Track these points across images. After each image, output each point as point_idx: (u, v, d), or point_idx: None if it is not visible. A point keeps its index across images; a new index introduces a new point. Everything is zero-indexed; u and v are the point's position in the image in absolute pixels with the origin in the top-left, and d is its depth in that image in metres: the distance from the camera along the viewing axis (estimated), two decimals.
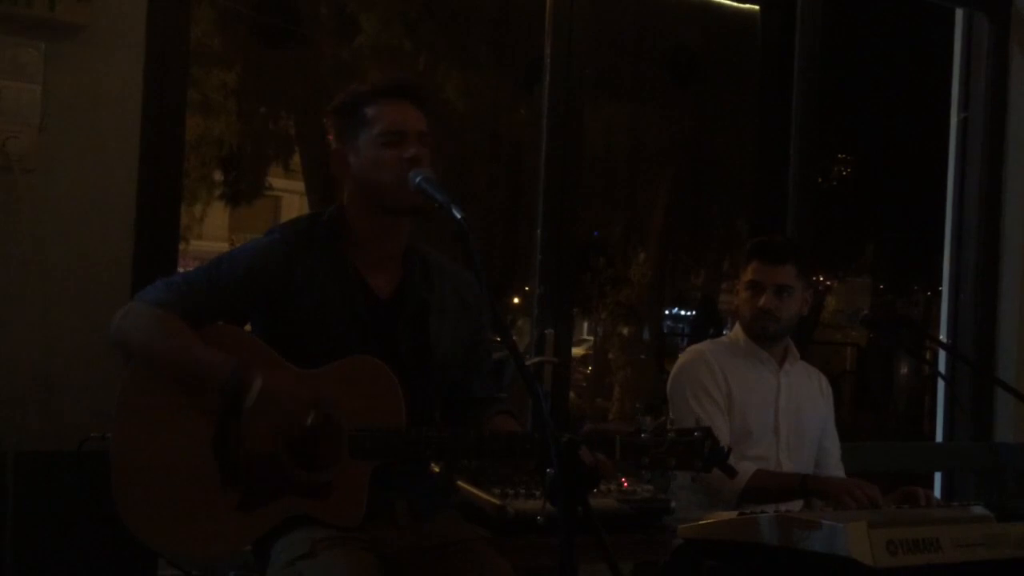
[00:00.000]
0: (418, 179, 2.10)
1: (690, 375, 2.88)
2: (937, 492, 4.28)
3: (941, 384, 4.43)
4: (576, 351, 7.18)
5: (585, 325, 9.01)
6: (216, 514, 2.06)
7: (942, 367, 4.34)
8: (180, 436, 2.08)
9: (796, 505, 2.75)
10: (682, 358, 2.97)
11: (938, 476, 4.35)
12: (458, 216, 1.95)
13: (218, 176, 7.80)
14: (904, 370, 10.12)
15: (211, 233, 8.82)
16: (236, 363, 2.04)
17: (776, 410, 2.91)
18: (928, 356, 4.65)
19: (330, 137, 2.28)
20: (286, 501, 2.08)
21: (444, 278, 2.31)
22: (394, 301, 2.24)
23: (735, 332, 2.98)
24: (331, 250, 2.21)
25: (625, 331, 8.91)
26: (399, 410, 2.11)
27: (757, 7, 4.15)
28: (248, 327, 2.25)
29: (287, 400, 2.03)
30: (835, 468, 3.01)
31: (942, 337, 4.31)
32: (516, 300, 7.41)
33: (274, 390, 2.03)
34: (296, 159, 8.08)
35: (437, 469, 2.41)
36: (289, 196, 9.82)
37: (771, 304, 2.86)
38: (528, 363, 3.32)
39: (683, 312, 9.65)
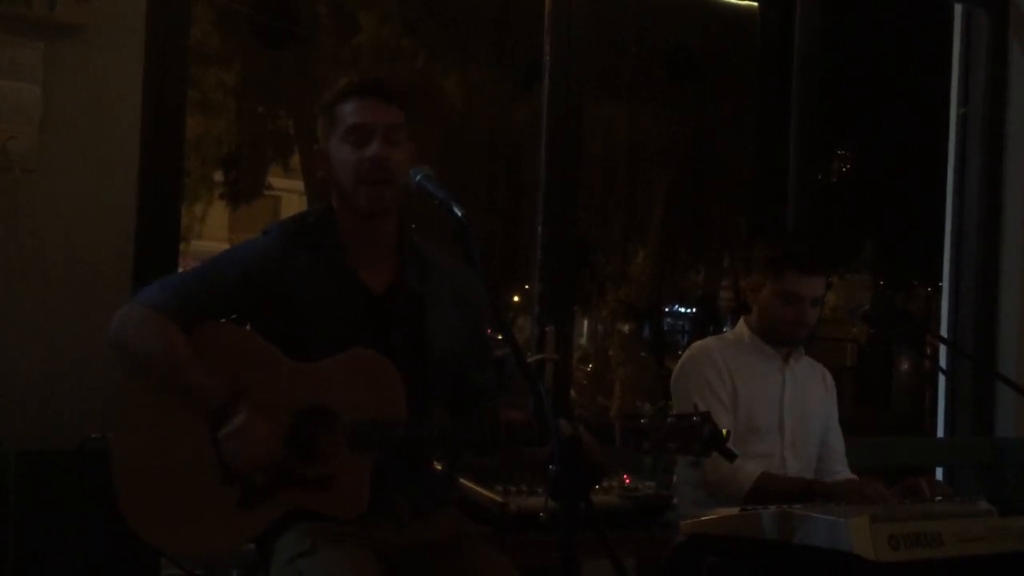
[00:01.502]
0: (418, 177, 2.09)
1: (694, 371, 2.87)
2: None
3: (942, 379, 4.43)
4: None
5: (585, 323, 9.01)
6: (217, 511, 2.07)
7: (943, 362, 4.35)
8: (180, 434, 2.08)
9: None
10: (686, 354, 2.95)
11: (939, 471, 4.35)
12: (458, 214, 1.94)
13: (218, 176, 7.81)
14: (905, 365, 10.14)
15: (211, 233, 8.83)
16: (224, 394, 2.05)
17: (781, 406, 2.90)
18: (928, 351, 4.66)
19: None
20: (286, 495, 2.08)
21: (441, 273, 2.31)
22: (388, 295, 2.24)
23: (740, 328, 2.97)
24: (324, 247, 2.22)
25: (625, 329, 8.92)
26: (400, 403, 2.11)
27: (756, 4, 4.15)
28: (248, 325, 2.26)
29: (250, 454, 2.04)
30: (839, 464, 3.01)
31: (943, 332, 4.31)
32: (516, 298, 7.42)
33: (243, 440, 2.03)
34: (295, 159, 8.09)
35: (439, 466, 2.41)
36: (288, 196, 9.83)
37: (812, 317, 2.84)
38: (529, 361, 3.32)
39: (683, 309, 9.66)
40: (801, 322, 2.84)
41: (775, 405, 2.89)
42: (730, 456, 2.17)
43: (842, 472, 3.00)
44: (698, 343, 2.98)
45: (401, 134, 2.20)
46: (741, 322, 2.98)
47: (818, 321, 2.95)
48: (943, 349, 4.32)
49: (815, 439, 2.97)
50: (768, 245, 2.97)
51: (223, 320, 2.19)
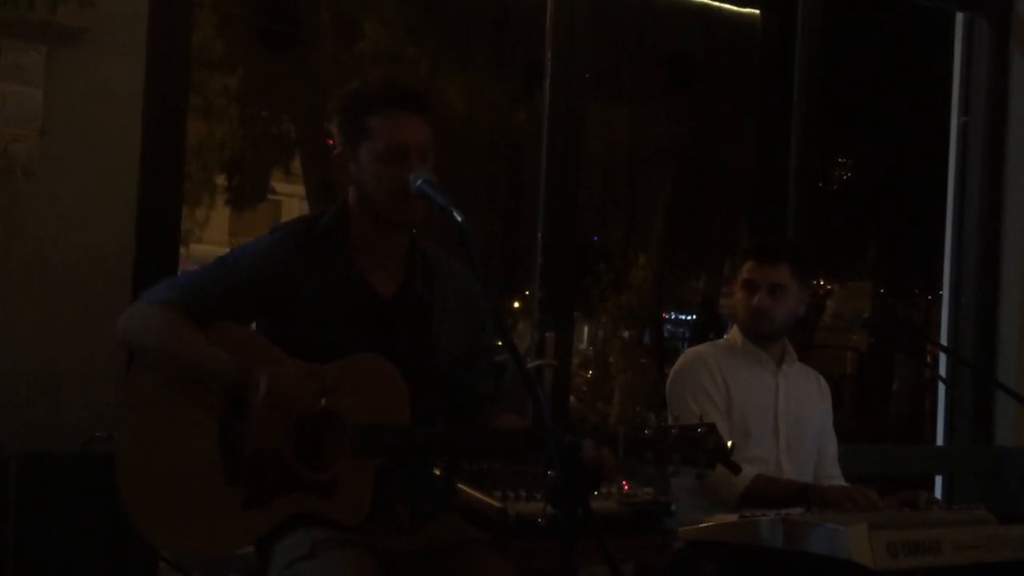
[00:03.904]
0: (419, 182, 2.10)
1: (689, 377, 2.90)
2: (938, 495, 4.28)
3: (942, 387, 4.44)
4: None
5: (585, 329, 9.00)
6: (221, 512, 2.07)
7: (943, 370, 4.35)
8: (185, 434, 2.09)
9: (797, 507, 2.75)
10: (680, 361, 2.99)
11: (939, 479, 4.35)
12: (459, 219, 1.95)
13: (221, 180, 7.81)
14: (904, 373, 10.11)
15: (211, 237, 8.82)
16: (240, 362, 2.05)
17: (775, 411, 2.92)
18: (929, 359, 4.66)
19: (330, 141, 2.27)
20: (290, 498, 2.08)
21: (448, 277, 2.32)
22: (395, 301, 2.24)
23: (733, 334, 3.00)
24: (333, 250, 2.22)
25: (626, 335, 8.90)
26: (403, 408, 2.11)
27: (758, 11, 4.16)
28: (253, 326, 2.26)
29: (297, 389, 2.05)
30: (832, 468, 3.03)
31: (943, 340, 4.31)
32: (516, 304, 7.41)
33: (282, 382, 2.04)
34: (296, 163, 8.09)
35: (438, 472, 2.41)
36: (289, 200, 9.83)
37: (765, 303, 2.88)
38: (528, 366, 3.32)
39: (683, 316, 9.65)
40: (758, 309, 2.88)
41: (769, 410, 2.91)
42: (734, 468, 2.17)
43: (835, 477, 3.01)
44: (692, 349, 3.03)
45: (431, 150, 2.19)
46: (735, 329, 3.01)
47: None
48: (943, 357, 4.33)
49: (811, 443, 2.99)
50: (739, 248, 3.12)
51: (229, 321, 2.20)
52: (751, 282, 2.91)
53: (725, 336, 3.08)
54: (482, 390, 2.36)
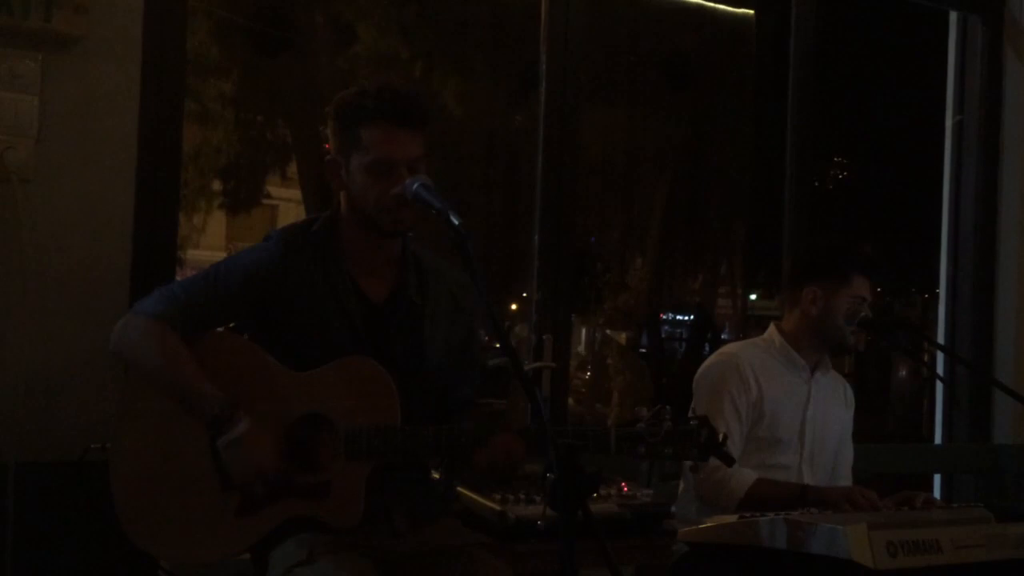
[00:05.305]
0: (415, 186, 2.10)
1: (718, 379, 2.83)
2: (936, 494, 4.29)
3: (939, 386, 4.44)
4: None
5: (583, 331, 9.00)
6: (217, 518, 2.08)
7: (940, 369, 4.35)
8: (179, 442, 2.09)
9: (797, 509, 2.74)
10: (712, 359, 2.92)
11: (937, 478, 4.36)
12: (456, 223, 1.95)
13: (216, 186, 7.81)
14: (902, 373, 10.12)
15: (208, 242, 8.81)
16: (220, 405, 2.06)
17: (803, 419, 2.87)
18: (926, 358, 4.67)
19: (327, 145, 2.28)
20: (285, 503, 2.09)
21: (440, 281, 2.32)
22: (387, 306, 2.25)
23: (770, 333, 2.94)
24: (325, 255, 2.22)
25: (623, 337, 8.90)
26: (394, 410, 2.11)
27: (752, 12, 4.16)
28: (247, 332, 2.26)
29: (252, 463, 2.06)
30: (845, 479, 3.00)
31: (940, 339, 4.32)
32: (514, 306, 7.41)
33: (245, 448, 2.04)
34: (292, 167, 8.09)
35: (437, 476, 2.41)
36: (286, 205, 9.82)
37: None
38: (526, 369, 3.32)
39: (680, 317, 9.65)
40: None
41: (798, 418, 2.87)
42: (728, 460, 2.16)
43: (844, 484, 2.99)
44: (726, 349, 2.95)
45: (422, 162, 2.19)
46: (772, 328, 2.95)
47: None
48: (940, 356, 4.33)
49: (830, 453, 2.96)
50: (829, 252, 2.96)
51: (221, 329, 2.20)
52: (864, 299, 2.87)
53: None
54: (464, 394, 2.37)
